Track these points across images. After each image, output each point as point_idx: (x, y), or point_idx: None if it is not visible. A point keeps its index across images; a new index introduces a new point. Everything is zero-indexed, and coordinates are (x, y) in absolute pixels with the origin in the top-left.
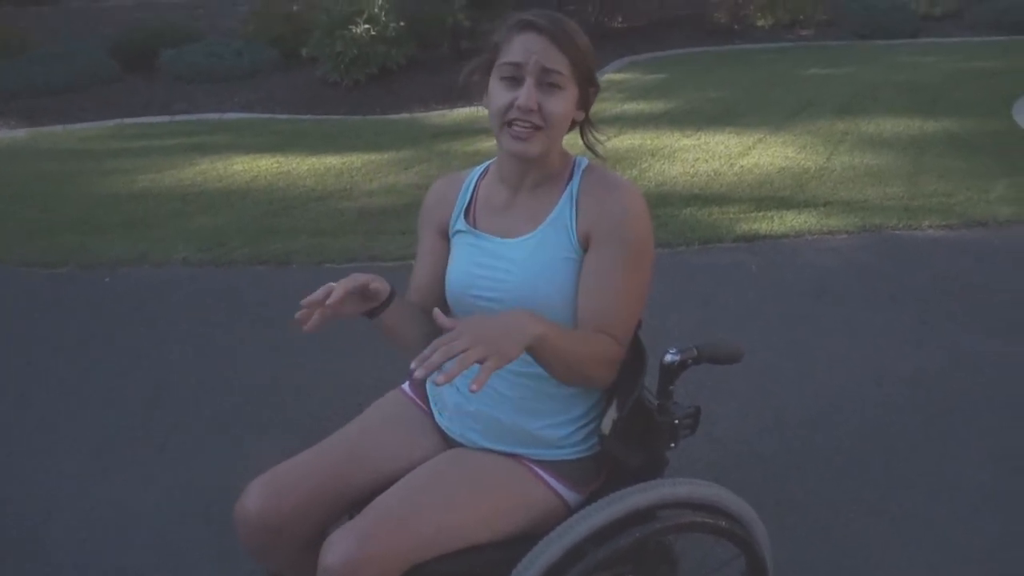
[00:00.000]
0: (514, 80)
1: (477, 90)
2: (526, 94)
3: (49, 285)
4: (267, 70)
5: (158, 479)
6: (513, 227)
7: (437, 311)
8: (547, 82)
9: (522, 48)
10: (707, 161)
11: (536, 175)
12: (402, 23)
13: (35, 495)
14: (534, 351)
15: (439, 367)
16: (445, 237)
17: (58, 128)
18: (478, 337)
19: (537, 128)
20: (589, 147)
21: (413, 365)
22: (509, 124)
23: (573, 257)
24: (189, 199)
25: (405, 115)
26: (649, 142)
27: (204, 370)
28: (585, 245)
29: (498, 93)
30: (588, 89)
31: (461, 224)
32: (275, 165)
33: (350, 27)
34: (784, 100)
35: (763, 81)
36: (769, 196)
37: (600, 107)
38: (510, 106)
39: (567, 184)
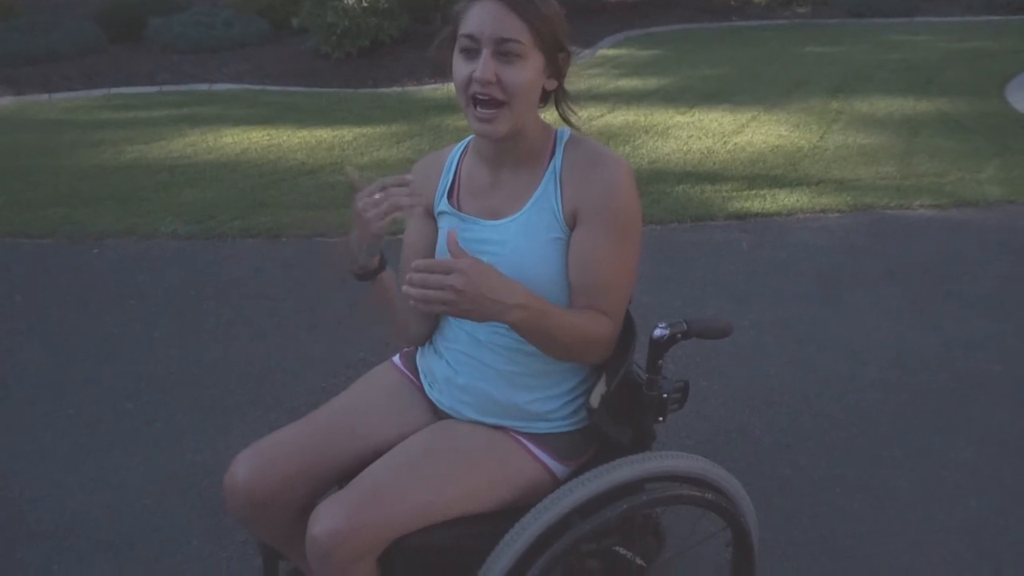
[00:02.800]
0: (472, 52)
1: (445, 65)
2: (482, 66)
3: (35, 257)
4: (257, 41)
5: (147, 456)
6: (498, 208)
7: (452, 232)
8: (505, 52)
9: (478, 19)
10: (700, 138)
11: (515, 151)
12: None
13: (21, 472)
14: (514, 328)
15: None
16: (431, 216)
17: (43, 97)
18: (463, 290)
19: (500, 104)
20: (563, 118)
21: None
22: (474, 101)
23: (561, 236)
24: (178, 171)
25: (397, 89)
26: (643, 119)
27: (193, 344)
28: (572, 223)
29: (458, 67)
30: (557, 55)
31: (444, 205)
32: (265, 138)
33: None
34: (778, 78)
35: (758, 59)
36: (762, 174)
37: (594, 83)
38: (469, 80)
39: (550, 160)
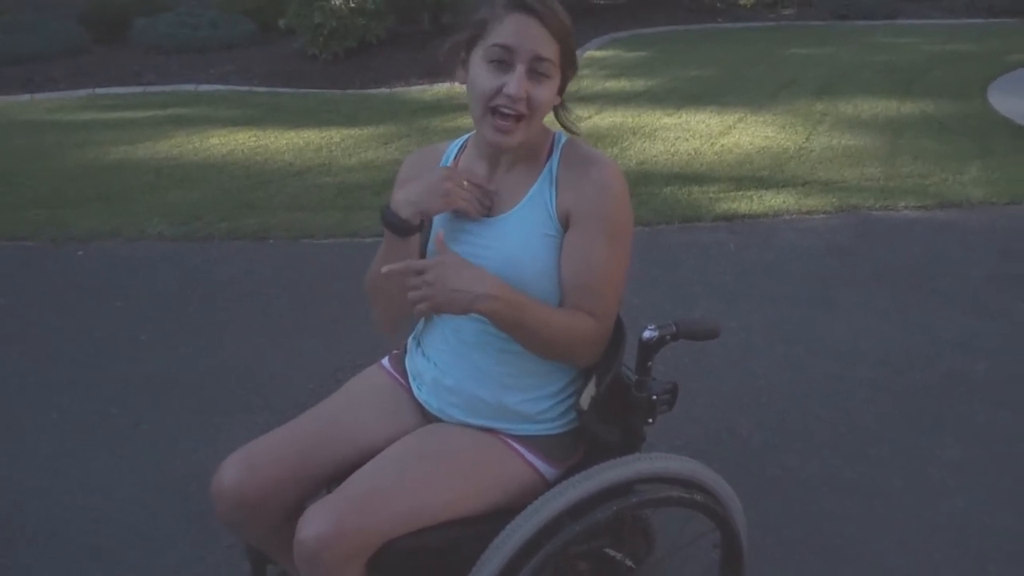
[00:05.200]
0: (503, 63)
1: (455, 66)
2: (517, 83)
3: (18, 259)
4: (243, 42)
5: (133, 460)
6: (493, 204)
7: (440, 237)
8: (537, 70)
9: (516, 32)
10: (688, 140)
11: (514, 152)
12: None
13: (6, 476)
14: (492, 321)
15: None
16: None
17: (26, 98)
18: (435, 284)
19: (520, 118)
20: (567, 128)
21: (384, 269)
22: (493, 111)
23: (553, 234)
24: (164, 172)
25: (384, 90)
26: (630, 120)
27: (180, 347)
28: (565, 223)
29: (484, 76)
30: (568, 72)
31: None
32: (252, 139)
33: None
34: (764, 80)
35: (744, 60)
36: (749, 176)
37: (582, 85)
38: (497, 92)
39: (547, 161)
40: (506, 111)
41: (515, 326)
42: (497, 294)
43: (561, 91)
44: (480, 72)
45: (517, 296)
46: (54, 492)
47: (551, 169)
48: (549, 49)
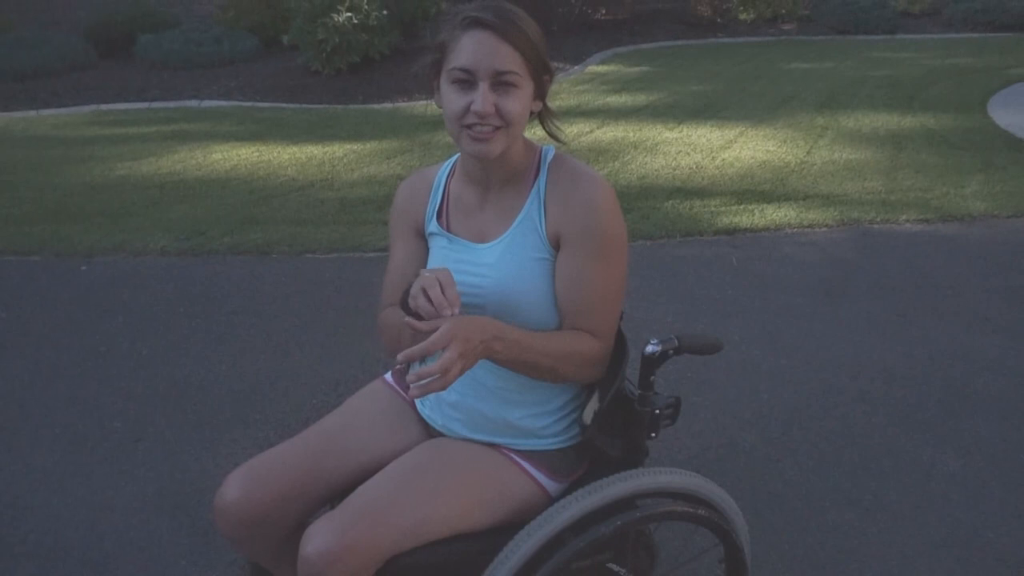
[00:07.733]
0: (466, 83)
1: (431, 90)
2: (482, 100)
3: (22, 274)
4: (247, 58)
5: (133, 474)
6: (485, 230)
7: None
8: (502, 82)
9: (472, 50)
10: (689, 154)
11: (502, 171)
12: (385, 11)
13: (5, 490)
14: (494, 362)
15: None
16: (421, 236)
17: (31, 114)
18: (462, 351)
19: (496, 128)
20: (551, 135)
21: (401, 358)
22: (468, 127)
23: (545, 257)
24: (167, 188)
25: (387, 105)
26: (632, 135)
27: (182, 361)
28: (556, 244)
29: (452, 98)
30: (542, 78)
31: (434, 227)
32: (255, 154)
33: (332, 15)
34: (765, 94)
35: (745, 75)
36: (750, 189)
37: (583, 99)
38: (466, 111)
39: (534, 181)
40: (479, 128)
41: (519, 362)
42: (501, 335)
43: (542, 96)
44: (448, 94)
45: (517, 333)
46: (54, 506)
47: (539, 190)
48: (510, 61)
